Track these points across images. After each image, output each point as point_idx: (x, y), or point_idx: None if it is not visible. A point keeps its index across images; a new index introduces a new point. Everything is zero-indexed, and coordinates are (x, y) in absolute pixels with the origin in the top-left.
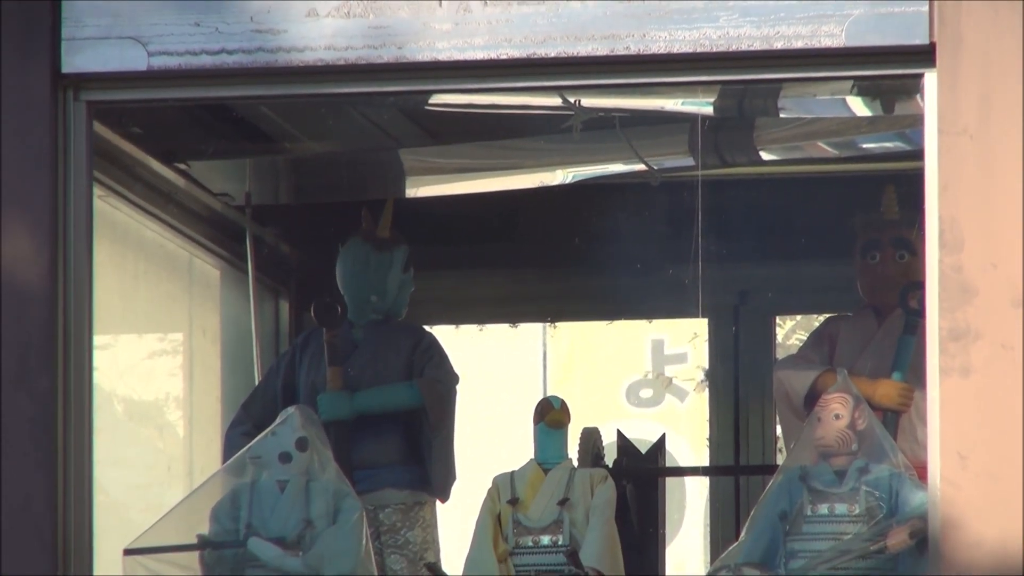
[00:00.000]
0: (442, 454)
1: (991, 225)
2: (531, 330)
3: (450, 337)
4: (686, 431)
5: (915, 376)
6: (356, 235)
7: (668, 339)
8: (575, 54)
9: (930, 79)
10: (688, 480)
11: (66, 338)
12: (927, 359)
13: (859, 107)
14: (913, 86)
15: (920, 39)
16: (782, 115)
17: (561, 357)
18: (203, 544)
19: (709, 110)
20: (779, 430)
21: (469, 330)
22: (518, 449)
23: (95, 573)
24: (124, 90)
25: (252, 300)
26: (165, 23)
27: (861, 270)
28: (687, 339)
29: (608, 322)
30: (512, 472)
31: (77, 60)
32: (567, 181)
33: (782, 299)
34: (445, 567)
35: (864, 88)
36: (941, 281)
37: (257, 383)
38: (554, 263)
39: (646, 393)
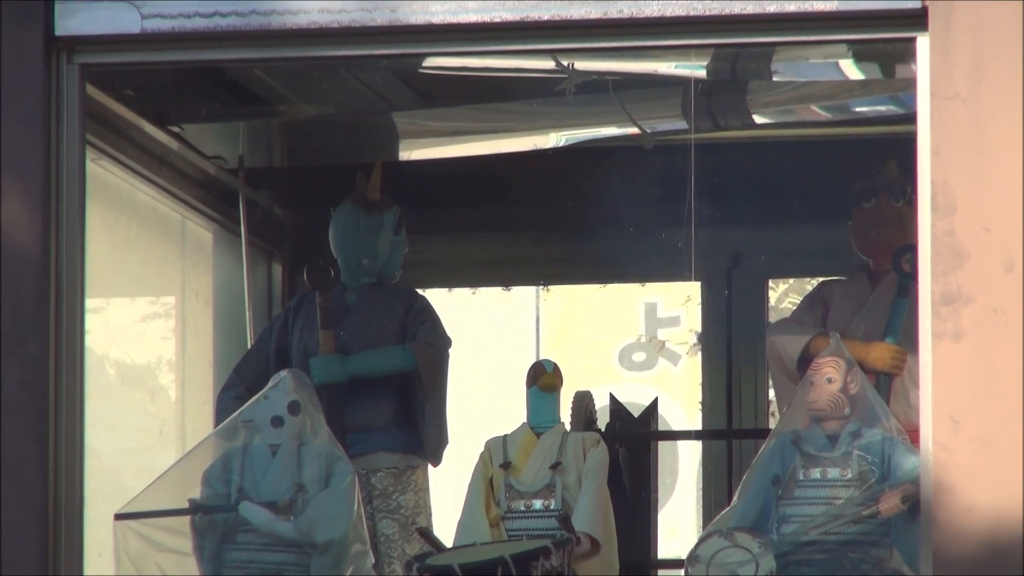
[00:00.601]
0: (434, 418)
1: (983, 189)
2: (524, 293)
3: (443, 300)
4: (679, 395)
5: (908, 340)
6: (348, 198)
7: (661, 303)
8: (568, 17)
9: (922, 43)
10: (681, 444)
11: (58, 301)
12: (919, 323)
13: (852, 71)
14: (906, 50)
15: (912, 3)
16: (775, 79)
17: (554, 321)
18: (195, 508)
19: (702, 73)
20: (772, 394)
21: (462, 293)
22: (511, 413)
23: (86, 537)
24: (117, 53)
25: (245, 263)
26: None
27: (856, 218)
28: (680, 303)
29: (601, 286)
30: (504, 436)
31: (70, 23)
32: (560, 144)
33: (775, 263)
34: (437, 531)
35: (857, 52)
36: (933, 245)
37: (249, 347)
38: (547, 227)
39: (639, 357)
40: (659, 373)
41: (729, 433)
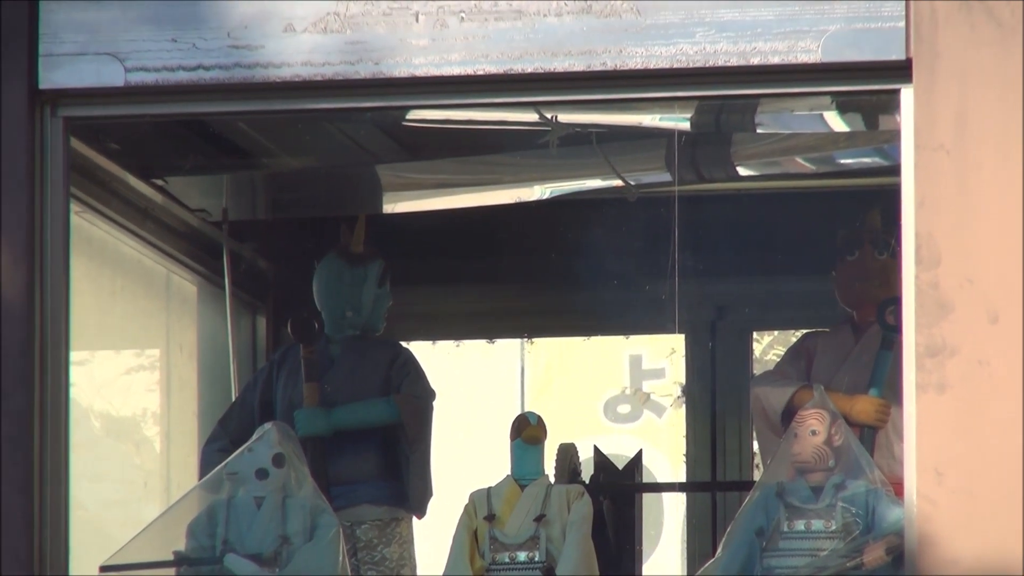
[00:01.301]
0: (419, 470)
1: (967, 241)
2: (508, 346)
3: (427, 353)
4: (664, 447)
5: (892, 392)
6: (332, 251)
7: (646, 354)
8: (552, 69)
9: (907, 95)
10: (665, 496)
11: (43, 354)
12: (903, 375)
13: (836, 122)
14: (890, 102)
15: (897, 55)
16: (759, 130)
17: (539, 373)
18: (179, 560)
19: (686, 125)
20: (756, 446)
21: (446, 346)
22: (495, 465)
23: None
24: (101, 106)
25: (229, 316)
26: (142, 39)
27: (840, 270)
28: (665, 355)
29: (585, 338)
30: (489, 488)
31: (54, 76)
32: (544, 196)
33: (759, 314)
34: None
35: (841, 103)
36: (917, 297)
37: (234, 399)
38: (531, 279)
39: (624, 408)
40: (644, 425)
41: (713, 485)
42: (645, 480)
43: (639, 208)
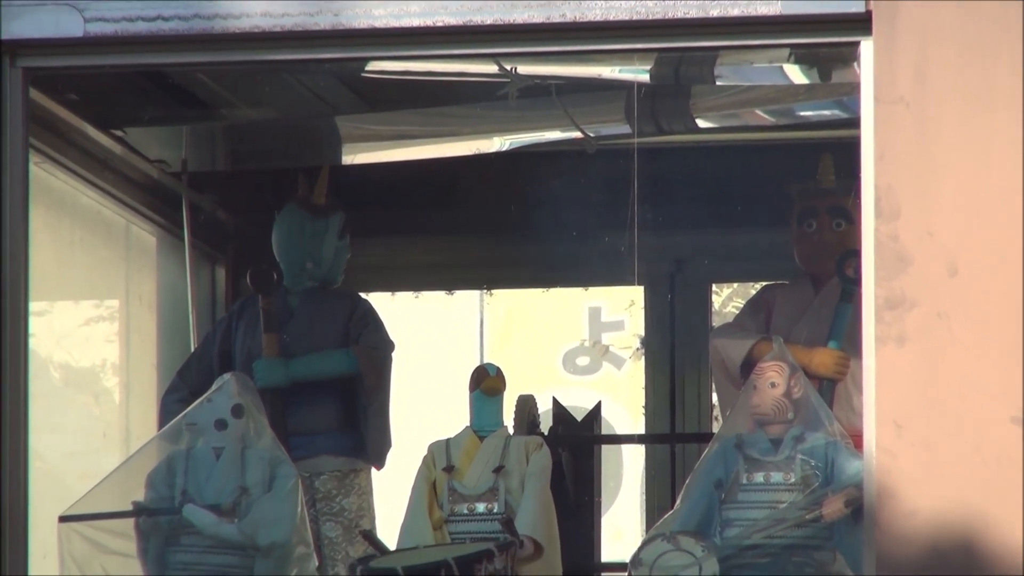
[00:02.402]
0: (378, 421)
1: (927, 194)
2: (468, 297)
3: (386, 304)
4: (623, 399)
5: (851, 345)
6: (292, 202)
7: (605, 307)
8: (511, 21)
9: (866, 47)
10: (624, 448)
11: (2, 305)
12: (863, 328)
13: (796, 75)
14: (850, 54)
15: (856, 7)
16: (719, 83)
17: (498, 324)
18: (138, 511)
19: (645, 77)
20: (715, 398)
21: (405, 297)
22: (454, 416)
23: (31, 539)
24: (60, 56)
25: (188, 267)
26: None
27: (798, 238)
28: (624, 307)
29: (544, 290)
30: (447, 439)
31: (13, 26)
32: (503, 148)
33: (718, 267)
34: (380, 534)
35: (801, 56)
36: (877, 250)
37: (193, 350)
38: (490, 230)
39: (583, 361)
40: (603, 377)
41: (672, 437)
42: (604, 432)
43: (598, 160)
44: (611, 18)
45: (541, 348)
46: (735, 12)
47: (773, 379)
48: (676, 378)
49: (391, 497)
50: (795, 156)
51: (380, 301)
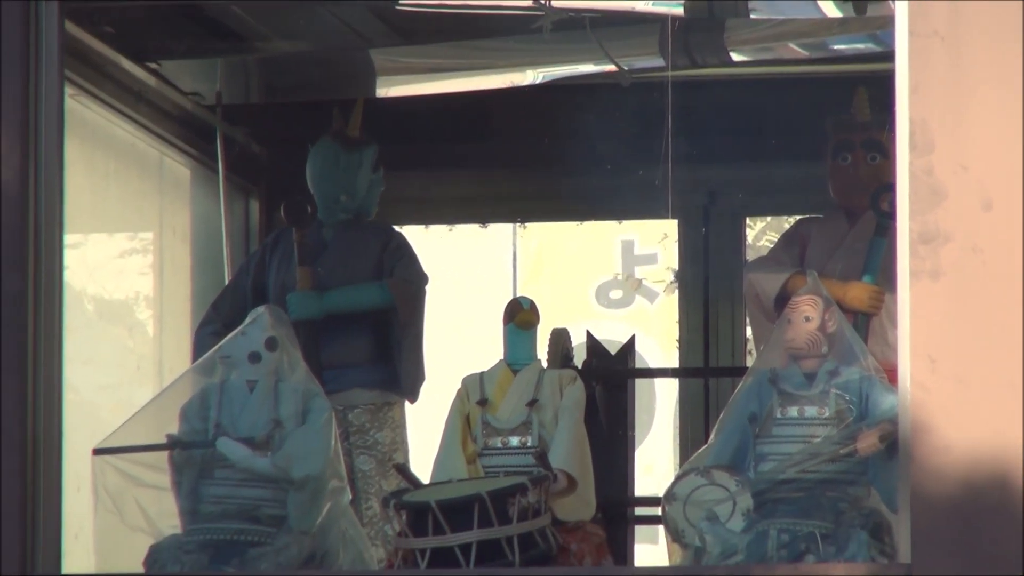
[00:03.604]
0: (411, 355)
1: (961, 127)
2: (501, 230)
3: (420, 237)
4: (656, 333)
5: (886, 279)
6: (326, 135)
7: (638, 240)
8: None
9: None
10: (657, 382)
11: (37, 237)
12: (897, 262)
13: (830, 8)
14: None
15: None
16: (753, 16)
17: (531, 258)
18: (172, 444)
19: (680, 11)
20: (749, 332)
21: (439, 230)
22: (487, 350)
23: (65, 471)
24: None
25: (222, 199)
26: None
27: (833, 172)
28: (657, 240)
29: (578, 223)
30: (481, 373)
31: None
32: (537, 81)
33: (752, 200)
34: (414, 468)
35: None
36: (911, 183)
37: (227, 283)
38: (524, 164)
39: (616, 294)
40: (636, 311)
41: (706, 371)
42: (637, 366)
43: (632, 93)
44: None
45: (574, 281)
46: None
47: (807, 313)
48: (710, 312)
49: (424, 430)
50: (829, 90)
51: (414, 234)
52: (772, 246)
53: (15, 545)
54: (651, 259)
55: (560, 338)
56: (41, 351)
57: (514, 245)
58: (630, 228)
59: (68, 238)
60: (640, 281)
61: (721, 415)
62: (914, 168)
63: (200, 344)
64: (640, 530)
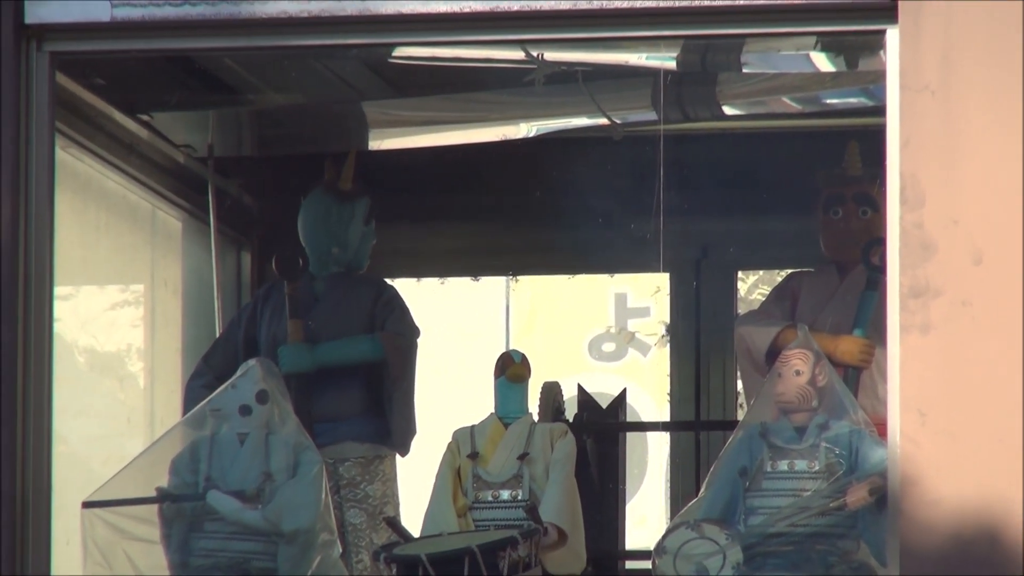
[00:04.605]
0: (402, 408)
1: (952, 182)
2: (493, 283)
3: (412, 290)
4: (649, 386)
5: (876, 332)
6: (318, 187)
7: (631, 293)
8: (538, 8)
9: (892, 35)
10: (649, 435)
11: (27, 288)
12: (887, 316)
13: (823, 62)
14: (876, 42)
15: None
16: (745, 70)
17: (524, 310)
18: (162, 497)
19: (672, 64)
20: (740, 385)
21: (431, 283)
22: (479, 403)
23: (54, 524)
24: (87, 41)
25: (214, 252)
26: None
27: (824, 226)
28: (650, 293)
29: (570, 276)
30: (472, 426)
31: (40, 10)
32: (530, 134)
33: (744, 254)
34: (405, 521)
35: (827, 43)
36: (902, 237)
37: (218, 335)
38: (516, 216)
39: (609, 347)
40: (629, 363)
41: (697, 424)
42: (630, 419)
43: (624, 147)
44: (637, 5)
45: (567, 334)
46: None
47: (798, 367)
48: (701, 365)
49: (415, 484)
50: (821, 143)
51: (406, 287)
52: (763, 299)
53: None
54: (644, 312)
55: (551, 391)
56: (31, 402)
57: (507, 298)
58: (624, 281)
59: (60, 290)
60: (633, 334)
61: (712, 468)
62: (905, 222)
63: (191, 397)
64: None
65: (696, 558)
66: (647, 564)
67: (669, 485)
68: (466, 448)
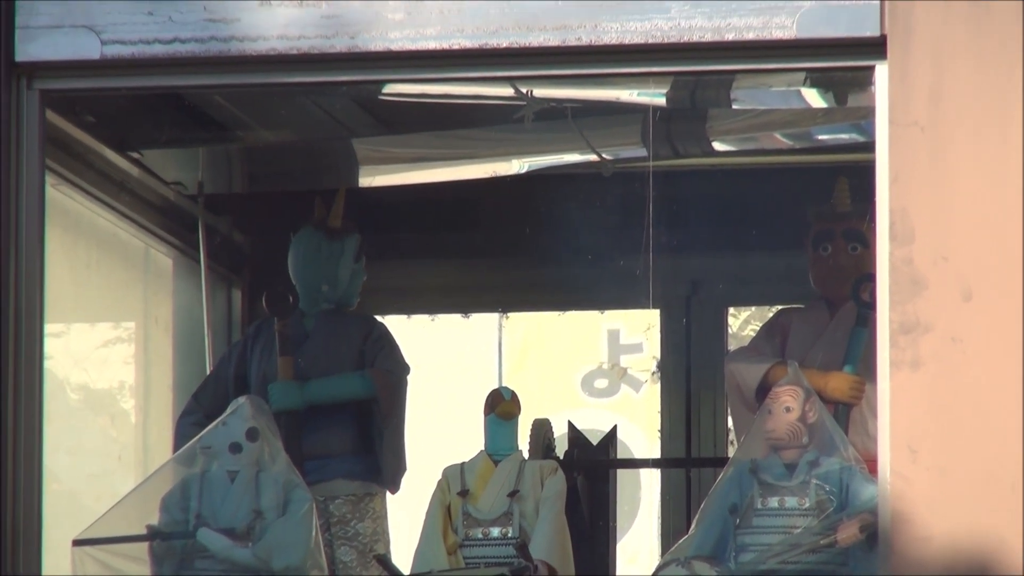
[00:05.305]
0: (392, 445)
1: (942, 217)
2: (484, 320)
3: (402, 327)
4: (641, 422)
5: (866, 369)
6: (308, 224)
7: (624, 329)
8: (527, 44)
9: (881, 71)
10: (641, 471)
11: (17, 326)
12: (877, 352)
13: (812, 98)
14: (865, 78)
15: (871, 31)
16: (735, 106)
17: (516, 347)
18: (152, 535)
19: (661, 101)
20: (730, 422)
21: (421, 320)
22: (469, 440)
23: (44, 562)
24: (77, 79)
25: (204, 289)
26: (118, 12)
27: (813, 261)
28: (642, 329)
29: (560, 312)
30: (462, 463)
31: (30, 48)
32: (520, 171)
33: (734, 290)
34: (395, 559)
35: (816, 80)
36: (892, 273)
37: (209, 372)
38: (506, 253)
39: (601, 383)
40: (621, 400)
41: (688, 461)
42: (622, 455)
43: (614, 183)
44: (626, 42)
45: (560, 371)
46: (750, 36)
47: (788, 404)
48: (692, 402)
49: (406, 521)
50: (811, 179)
51: (396, 324)
52: (754, 336)
53: None
54: (637, 348)
55: (541, 428)
56: (22, 440)
57: (498, 335)
58: (616, 318)
59: (51, 327)
60: (625, 370)
61: (702, 505)
62: (894, 258)
63: (182, 434)
64: None
65: None
66: None
67: (660, 522)
68: (456, 485)
